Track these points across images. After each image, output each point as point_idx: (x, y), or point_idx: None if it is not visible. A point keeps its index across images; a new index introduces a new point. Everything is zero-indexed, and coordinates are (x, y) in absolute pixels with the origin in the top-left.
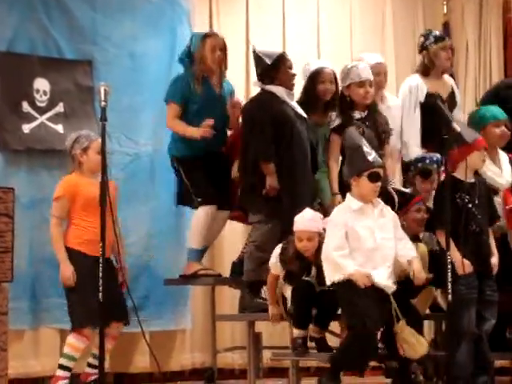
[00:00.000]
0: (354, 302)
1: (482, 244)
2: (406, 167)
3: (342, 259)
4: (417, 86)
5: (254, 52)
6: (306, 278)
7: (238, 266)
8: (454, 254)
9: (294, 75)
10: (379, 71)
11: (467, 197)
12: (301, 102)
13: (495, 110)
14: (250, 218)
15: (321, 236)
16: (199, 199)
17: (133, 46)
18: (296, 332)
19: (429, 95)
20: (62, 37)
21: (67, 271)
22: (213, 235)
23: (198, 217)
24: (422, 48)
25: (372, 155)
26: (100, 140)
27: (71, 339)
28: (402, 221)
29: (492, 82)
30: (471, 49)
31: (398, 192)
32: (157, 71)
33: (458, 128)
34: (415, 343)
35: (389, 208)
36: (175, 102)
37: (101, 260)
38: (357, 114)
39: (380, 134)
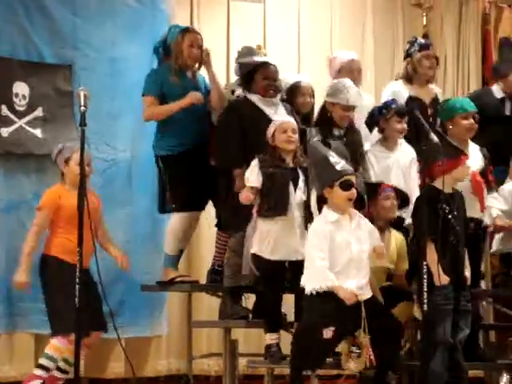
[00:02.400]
0: (323, 314)
1: (458, 255)
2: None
3: (328, 271)
4: (399, 92)
5: (236, 60)
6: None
7: (211, 274)
8: (432, 265)
9: (272, 85)
10: (353, 68)
11: (447, 208)
12: None
13: (464, 102)
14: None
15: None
16: (174, 205)
17: (113, 51)
18: (269, 338)
19: (410, 99)
20: (43, 41)
21: (23, 278)
22: (187, 238)
23: (173, 223)
24: (407, 55)
25: (340, 164)
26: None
27: (55, 341)
28: (372, 210)
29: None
30: (450, 60)
31: (365, 184)
32: (137, 77)
33: (436, 139)
34: (355, 357)
35: (366, 220)
36: (151, 94)
37: (77, 270)
38: (335, 131)
39: (356, 153)
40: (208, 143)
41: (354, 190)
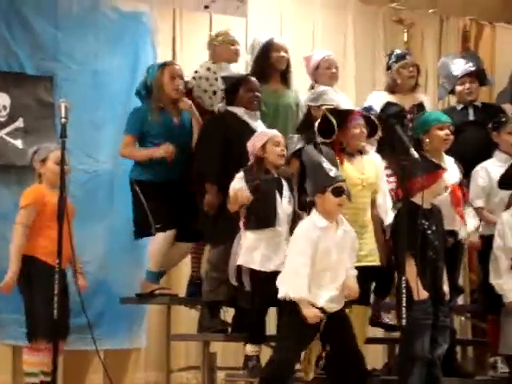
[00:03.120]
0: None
1: (437, 271)
2: None
3: (305, 282)
4: (381, 101)
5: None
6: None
7: (190, 286)
8: (411, 280)
9: (256, 97)
10: (330, 65)
11: (426, 223)
12: (254, 73)
13: (439, 114)
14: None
15: None
16: (158, 225)
17: (95, 63)
18: (249, 349)
19: (387, 104)
20: (24, 53)
21: (13, 281)
22: (171, 261)
23: (157, 242)
24: (387, 67)
25: (333, 171)
26: (58, 151)
27: (26, 357)
28: (341, 138)
29: None
30: (430, 75)
31: (335, 111)
32: (118, 89)
33: (415, 155)
34: (306, 366)
35: (351, 230)
36: (131, 133)
37: (56, 276)
38: (319, 138)
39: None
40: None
41: (344, 197)
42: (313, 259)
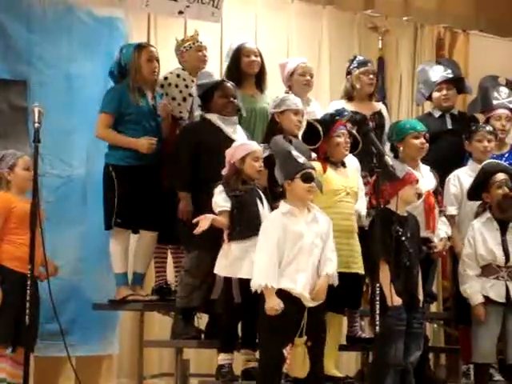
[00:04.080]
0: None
1: (411, 277)
2: None
3: (272, 270)
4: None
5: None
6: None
7: (155, 292)
8: (385, 286)
9: (231, 102)
10: (305, 72)
11: (400, 230)
12: (228, 78)
13: (414, 122)
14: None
15: None
16: (119, 220)
17: (68, 67)
18: (222, 358)
19: (352, 113)
20: None
21: None
22: (144, 260)
23: (115, 241)
24: (347, 73)
25: (302, 158)
26: (26, 157)
27: None
28: (325, 147)
29: None
30: (405, 83)
31: (318, 121)
32: (92, 94)
33: (390, 162)
34: (300, 364)
35: (326, 217)
36: (108, 112)
37: (29, 282)
38: None
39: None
40: (161, 166)
41: (314, 184)
42: (281, 246)
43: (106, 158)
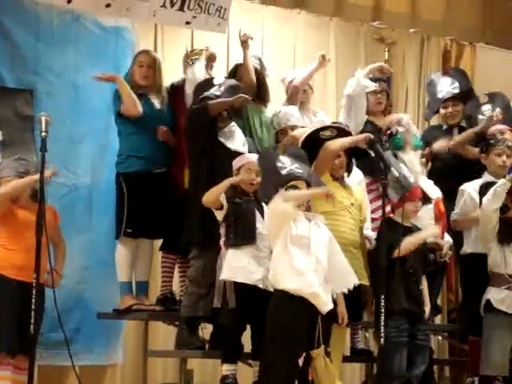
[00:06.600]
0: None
1: (413, 285)
2: None
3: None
4: None
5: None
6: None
7: (159, 302)
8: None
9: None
10: (306, 87)
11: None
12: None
13: (413, 140)
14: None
15: None
16: (129, 230)
17: (75, 76)
18: (226, 368)
19: (366, 122)
20: (4, 65)
21: None
22: (144, 266)
23: (122, 249)
24: None
25: (287, 169)
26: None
27: None
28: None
29: None
30: (411, 95)
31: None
32: (98, 103)
33: (396, 174)
34: (324, 377)
35: (324, 227)
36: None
37: (34, 292)
38: None
39: None
40: (170, 173)
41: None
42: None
43: (117, 167)
